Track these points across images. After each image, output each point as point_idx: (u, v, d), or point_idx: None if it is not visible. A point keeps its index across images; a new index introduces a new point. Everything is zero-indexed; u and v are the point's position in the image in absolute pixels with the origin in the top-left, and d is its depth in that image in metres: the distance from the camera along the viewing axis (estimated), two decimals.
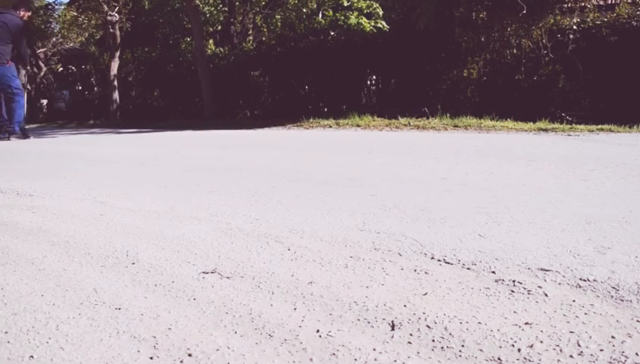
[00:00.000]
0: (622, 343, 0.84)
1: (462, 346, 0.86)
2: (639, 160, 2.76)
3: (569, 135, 4.23)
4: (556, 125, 4.78)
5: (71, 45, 15.36)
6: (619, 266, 1.17)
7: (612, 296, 1.02)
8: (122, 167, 3.44)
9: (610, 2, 7.47)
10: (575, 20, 6.43)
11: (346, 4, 9.09)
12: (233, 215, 1.82)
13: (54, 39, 15.39)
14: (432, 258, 1.29)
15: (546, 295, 1.04)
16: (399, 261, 1.28)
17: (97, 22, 13.61)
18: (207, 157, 3.81)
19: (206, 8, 10.67)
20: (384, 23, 8.73)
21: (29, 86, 12.00)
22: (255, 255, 1.38)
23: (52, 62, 15.72)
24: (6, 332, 0.97)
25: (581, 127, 4.60)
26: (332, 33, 8.53)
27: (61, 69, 15.91)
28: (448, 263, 1.25)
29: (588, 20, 6.42)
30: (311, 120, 6.53)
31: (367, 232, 1.54)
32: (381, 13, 9.01)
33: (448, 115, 5.82)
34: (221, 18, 10.97)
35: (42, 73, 14.87)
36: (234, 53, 9.49)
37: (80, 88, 14.69)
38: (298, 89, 8.97)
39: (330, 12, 9.09)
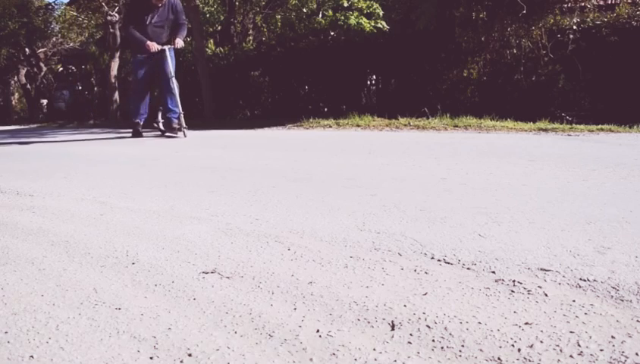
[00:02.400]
0: (622, 343, 0.84)
1: (462, 346, 0.86)
2: (639, 160, 2.76)
3: (569, 135, 4.23)
4: (556, 125, 4.77)
5: (71, 45, 15.37)
6: (619, 266, 1.17)
7: (612, 296, 1.02)
8: (122, 167, 3.44)
9: (610, 2, 7.46)
10: (575, 20, 6.41)
11: (346, 4, 9.08)
12: (233, 215, 1.82)
13: (54, 39, 15.40)
14: (432, 258, 1.29)
15: (546, 295, 1.04)
16: (399, 261, 1.28)
17: (97, 22, 13.61)
18: (207, 157, 3.81)
19: (206, 8, 10.66)
20: (384, 23, 8.71)
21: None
22: (255, 255, 1.38)
23: (52, 62, 15.73)
24: (6, 332, 0.97)
25: (581, 127, 4.59)
26: (332, 33, 8.52)
27: (61, 69, 15.92)
28: (448, 263, 1.25)
29: (588, 20, 6.41)
30: (311, 120, 6.52)
31: (367, 232, 1.54)
32: (381, 13, 8.99)
33: (448, 115, 5.81)
34: (221, 18, 10.96)
35: (42, 73, 14.88)
36: (234, 53, 9.47)
37: (80, 88, 14.70)
38: (298, 89, 8.96)
39: (331, 12, 9.08)
